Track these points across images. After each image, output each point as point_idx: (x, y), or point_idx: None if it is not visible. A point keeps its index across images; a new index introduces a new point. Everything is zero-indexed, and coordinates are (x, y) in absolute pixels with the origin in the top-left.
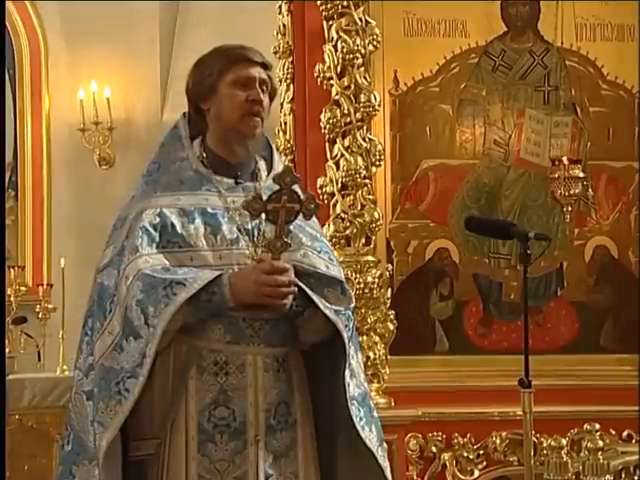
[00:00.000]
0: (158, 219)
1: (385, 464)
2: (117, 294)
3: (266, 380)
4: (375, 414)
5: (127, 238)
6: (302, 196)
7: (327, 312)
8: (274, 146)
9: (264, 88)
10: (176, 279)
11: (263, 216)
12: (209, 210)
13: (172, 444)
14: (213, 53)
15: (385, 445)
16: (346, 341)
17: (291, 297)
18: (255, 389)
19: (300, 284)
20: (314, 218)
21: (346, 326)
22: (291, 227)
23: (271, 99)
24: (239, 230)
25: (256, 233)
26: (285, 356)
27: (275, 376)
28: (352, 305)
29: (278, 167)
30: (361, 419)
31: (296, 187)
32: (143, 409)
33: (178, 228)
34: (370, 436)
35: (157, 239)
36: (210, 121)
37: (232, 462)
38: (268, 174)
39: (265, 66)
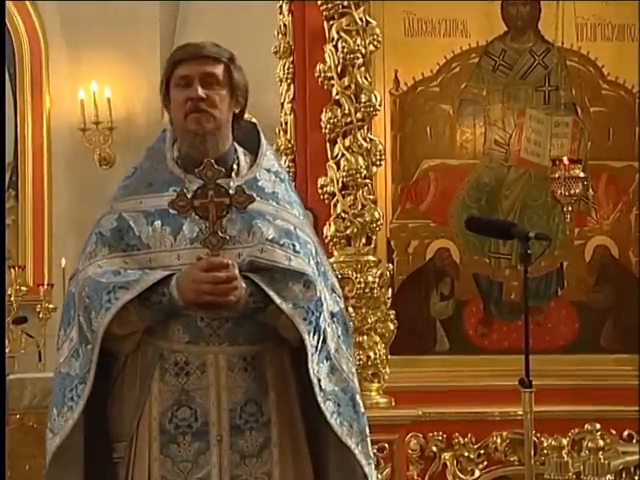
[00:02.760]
0: (115, 224)
1: (366, 461)
2: (75, 301)
3: (230, 379)
4: (361, 409)
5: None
6: (230, 189)
7: (283, 306)
8: (263, 139)
9: (212, 81)
10: (120, 283)
11: (192, 213)
12: (171, 211)
13: (137, 446)
14: (167, 59)
15: (369, 440)
16: (305, 335)
17: (238, 293)
18: (218, 389)
19: (255, 279)
20: (294, 210)
21: (305, 319)
22: (255, 222)
23: (234, 89)
24: (200, 229)
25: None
26: (255, 354)
27: (242, 375)
28: (315, 297)
29: (263, 161)
30: (339, 415)
31: (254, 179)
32: (116, 412)
33: (136, 231)
34: (349, 432)
35: (113, 243)
36: (174, 125)
37: (195, 463)
38: (251, 168)
39: (215, 59)
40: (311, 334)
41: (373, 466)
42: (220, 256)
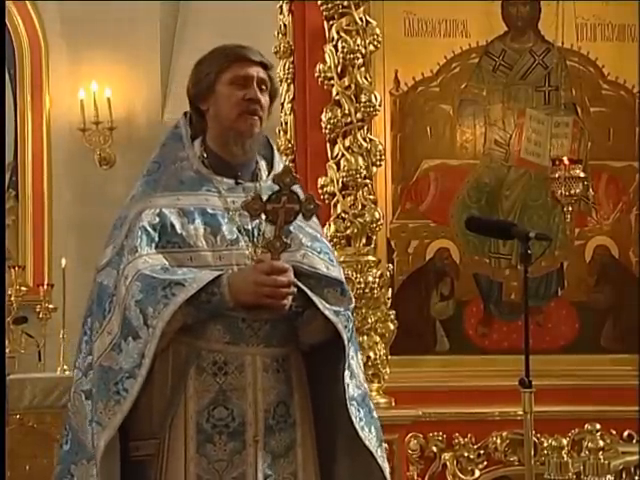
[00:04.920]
0: (157, 219)
1: (385, 465)
2: (116, 294)
3: (265, 380)
4: (375, 414)
5: (126, 238)
6: (301, 196)
7: (327, 313)
8: (275, 146)
9: (263, 87)
10: (175, 280)
11: (263, 216)
12: (209, 210)
13: (171, 444)
14: (211, 53)
15: (385, 446)
16: (346, 342)
17: (291, 298)
18: (254, 389)
19: (300, 285)
20: (314, 218)
21: (345, 327)
22: (291, 228)
23: (272, 99)
24: (239, 230)
25: (256, 233)
26: (285, 356)
27: (274, 376)
28: (352, 306)
29: (278, 167)
30: (360, 419)
31: (296, 187)
32: (142, 409)
33: (178, 228)
34: (369, 436)
35: (156, 239)
36: (209, 121)
37: (231, 462)
38: (268, 174)
39: (264, 65)
40: (348, 340)
41: (388, 469)
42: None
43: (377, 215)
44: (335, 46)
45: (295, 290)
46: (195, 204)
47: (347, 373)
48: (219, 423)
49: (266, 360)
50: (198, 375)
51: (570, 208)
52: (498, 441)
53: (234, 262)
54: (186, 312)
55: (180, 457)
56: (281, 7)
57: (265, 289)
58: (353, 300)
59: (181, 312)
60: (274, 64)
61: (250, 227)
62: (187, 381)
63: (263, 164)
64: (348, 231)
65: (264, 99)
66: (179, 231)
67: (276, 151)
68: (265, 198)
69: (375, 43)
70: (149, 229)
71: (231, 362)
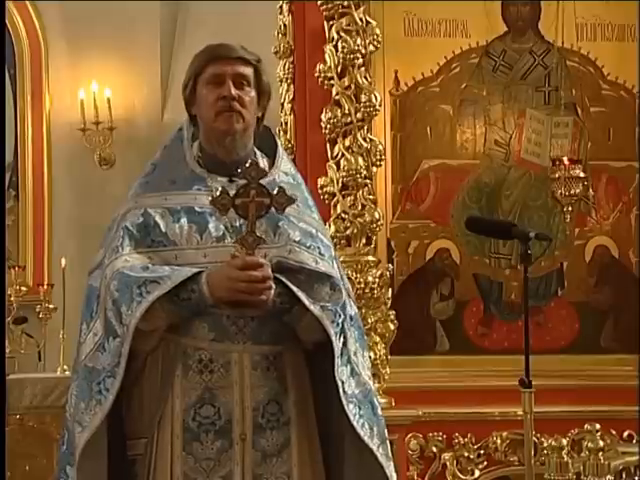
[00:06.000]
0: (141, 219)
1: (388, 463)
2: (100, 295)
3: (254, 378)
4: (379, 412)
5: (113, 239)
6: (272, 190)
7: (312, 308)
8: (279, 142)
9: (243, 82)
10: (151, 278)
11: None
12: (196, 209)
13: (159, 443)
14: (195, 56)
15: (388, 443)
16: (333, 337)
17: (270, 293)
18: (241, 387)
19: (284, 280)
20: (315, 215)
21: (333, 321)
22: (281, 223)
23: (261, 93)
24: (226, 228)
25: (243, 230)
26: (276, 354)
27: (264, 374)
28: (341, 300)
29: (280, 163)
30: (361, 417)
31: (265, 181)
32: (135, 408)
33: (162, 227)
34: (370, 434)
35: (139, 239)
36: (199, 124)
37: (218, 461)
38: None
39: (246, 61)
40: (337, 336)
41: (393, 467)
42: (254, 255)
43: (377, 215)
44: (335, 46)
45: (272, 285)
46: (182, 203)
47: (344, 369)
48: (205, 421)
49: (255, 357)
50: (184, 373)
51: (570, 208)
52: (498, 441)
53: (220, 259)
54: (167, 309)
55: (167, 456)
56: (281, 7)
57: (240, 285)
58: (343, 294)
59: (162, 309)
60: (261, 57)
61: (237, 224)
62: (174, 379)
63: (264, 161)
64: (348, 231)
65: (245, 95)
66: (163, 230)
67: (280, 147)
68: (233, 193)
69: (375, 43)
70: (131, 229)
71: (217, 360)
